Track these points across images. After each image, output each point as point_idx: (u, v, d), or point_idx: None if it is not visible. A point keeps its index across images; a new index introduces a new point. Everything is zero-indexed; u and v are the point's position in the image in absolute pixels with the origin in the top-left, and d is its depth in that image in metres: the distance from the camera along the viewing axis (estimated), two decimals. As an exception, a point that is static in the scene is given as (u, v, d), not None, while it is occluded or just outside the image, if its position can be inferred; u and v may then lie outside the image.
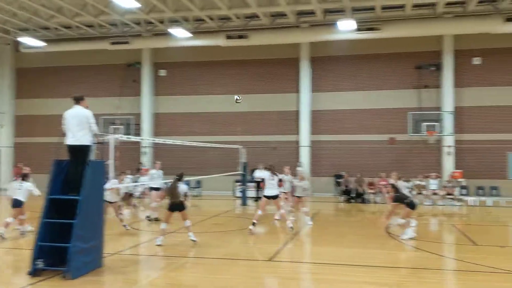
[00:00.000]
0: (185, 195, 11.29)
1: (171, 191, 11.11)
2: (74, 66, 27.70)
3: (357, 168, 23.12)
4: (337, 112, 24.71)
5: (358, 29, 21.76)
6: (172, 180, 11.30)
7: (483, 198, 20.71)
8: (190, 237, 11.00)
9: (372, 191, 21.69)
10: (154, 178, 16.32)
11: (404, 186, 13.36)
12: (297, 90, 24.89)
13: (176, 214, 11.01)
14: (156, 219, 14.74)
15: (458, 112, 23.08)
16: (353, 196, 21.59)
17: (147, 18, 23.24)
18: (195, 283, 7.66)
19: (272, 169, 12.98)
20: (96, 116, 8.97)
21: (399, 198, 12.28)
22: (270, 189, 12.77)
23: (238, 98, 14.69)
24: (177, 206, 10.99)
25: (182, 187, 11.14)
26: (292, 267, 8.96)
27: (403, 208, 12.11)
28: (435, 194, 20.56)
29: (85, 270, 7.99)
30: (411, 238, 11.55)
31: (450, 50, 23.20)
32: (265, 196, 12.84)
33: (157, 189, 16.22)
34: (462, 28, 21.81)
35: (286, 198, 15.53)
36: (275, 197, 12.81)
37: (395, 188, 12.73)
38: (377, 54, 24.27)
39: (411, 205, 11.93)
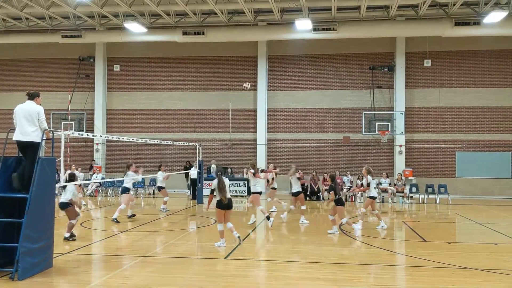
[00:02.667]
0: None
1: (221, 187, 10.21)
2: (23, 59, 26.69)
3: (312, 166, 23.48)
4: (293, 110, 24.96)
5: (314, 29, 22.06)
6: (216, 177, 10.36)
7: (432, 196, 21.46)
8: (237, 236, 10.45)
9: (326, 187, 22.01)
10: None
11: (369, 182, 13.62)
12: (254, 88, 24.96)
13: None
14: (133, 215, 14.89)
15: (409, 112, 23.82)
16: (308, 193, 21.85)
17: (100, 12, 22.67)
18: (149, 282, 7.54)
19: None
20: (47, 111, 8.68)
21: (334, 189, 12.37)
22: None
23: (246, 85, 15.28)
24: (230, 203, 10.31)
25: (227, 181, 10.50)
26: (247, 265, 8.98)
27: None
28: (385, 191, 21.13)
29: (34, 271, 7.71)
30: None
31: (402, 52, 23.89)
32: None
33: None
34: (413, 30, 22.50)
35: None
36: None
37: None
38: (332, 54, 24.68)
39: (340, 203, 12.31)
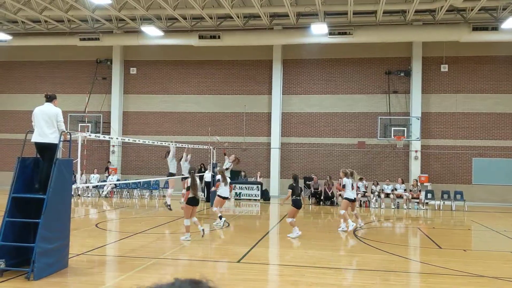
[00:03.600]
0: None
1: (194, 185, 11.31)
2: (41, 62, 27.07)
3: (326, 171, 23.38)
4: (307, 114, 24.91)
5: (330, 33, 22.00)
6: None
7: (447, 202, 21.22)
8: (201, 229, 11.56)
9: (340, 192, 21.90)
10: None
11: (349, 183, 13.59)
12: (269, 92, 24.98)
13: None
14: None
15: (425, 118, 23.61)
16: (322, 198, 21.77)
17: (118, 15, 22.91)
18: (162, 284, 7.56)
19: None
20: (64, 113, 8.79)
21: (292, 188, 12.33)
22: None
23: (218, 139, 16.36)
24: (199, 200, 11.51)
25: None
26: (260, 269, 8.97)
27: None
28: (400, 197, 20.96)
29: (49, 271, 7.79)
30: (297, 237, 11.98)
31: (419, 57, 23.71)
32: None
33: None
34: (430, 35, 22.33)
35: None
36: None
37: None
38: (348, 59, 24.59)
39: (295, 204, 12.24)
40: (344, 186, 13.62)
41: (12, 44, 25.50)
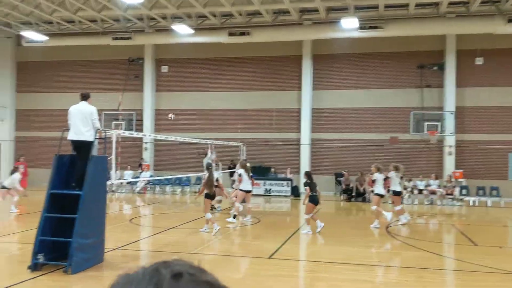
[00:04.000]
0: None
1: (313, 186, 12.11)
2: (76, 61, 27.69)
3: (358, 167, 23.13)
4: (338, 110, 24.69)
5: (361, 28, 21.72)
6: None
7: (483, 199, 20.72)
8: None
9: (372, 188, 21.66)
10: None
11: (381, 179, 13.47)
12: (298, 88, 24.87)
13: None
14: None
15: (460, 112, 23.06)
16: (354, 195, 21.60)
17: (149, 14, 23.23)
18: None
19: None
20: (99, 111, 9.00)
21: (309, 185, 12.33)
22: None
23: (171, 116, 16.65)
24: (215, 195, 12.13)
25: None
26: (291, 265, 8.98)
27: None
28: (433, 193, 20.59)
29: (86, 266, 8.02)
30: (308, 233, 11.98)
31: (452, 50, 23.17)
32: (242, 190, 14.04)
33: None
34: (464, 28, 21.78)
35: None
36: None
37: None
38: (379, 53, 24.23)
39: (312, 200, 12.12)
40: (374, 181, 13.48)
41: (48, 45, 26.20)
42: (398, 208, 13.57)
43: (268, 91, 25.38)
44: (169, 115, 17.96)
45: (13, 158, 27.44)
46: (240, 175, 14.42)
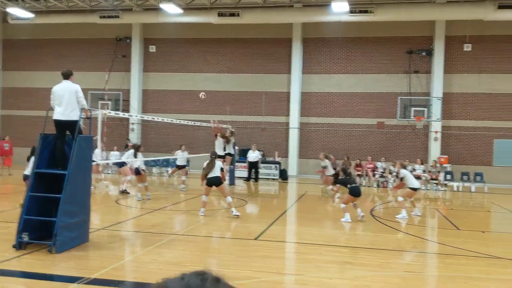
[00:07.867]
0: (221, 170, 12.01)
1: (350, 180, 11.87)
2: (62, 39, 27.25)
3: (345, 151, 23.28)
4: (327, 94, 24.70)
5: (351, 11, 21.64)
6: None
7: (467, 184, 20.99)
8: (233, 213, 11.58)
9: (358, 173, 21.83)
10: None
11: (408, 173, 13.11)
12: (288, 71, 24.79)
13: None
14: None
15: (447, 98, 23.21)
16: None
17: (138, -7, 22.86)
18: (180, 260, 7.71)
19: None
20: (84, 90, 8.88)
21: (344, 182, 12.15)
22: None
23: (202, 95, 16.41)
24: (215, 181, 11.64)
25: (218, 163, 11.87)
26: (277, 247, 9.05)
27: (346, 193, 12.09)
28: (418, 178, 20.74)
29: (71, 245, 8.00)
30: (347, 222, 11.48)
31: (441, 36, 23.21)
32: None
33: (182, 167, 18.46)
34: (455, 14, 21.80)
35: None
36: None
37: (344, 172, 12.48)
38: (369, 38, 24.19)
39: (352, 192, 11.75)
40: (402, 179, 12.88)
41: (34, 22, 25.72)
42: (400, 199, 13.18)
43: (258, 74, 25.27)
44: (200, 94, 17.84)
45: (-2, 137, 27.08)
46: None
